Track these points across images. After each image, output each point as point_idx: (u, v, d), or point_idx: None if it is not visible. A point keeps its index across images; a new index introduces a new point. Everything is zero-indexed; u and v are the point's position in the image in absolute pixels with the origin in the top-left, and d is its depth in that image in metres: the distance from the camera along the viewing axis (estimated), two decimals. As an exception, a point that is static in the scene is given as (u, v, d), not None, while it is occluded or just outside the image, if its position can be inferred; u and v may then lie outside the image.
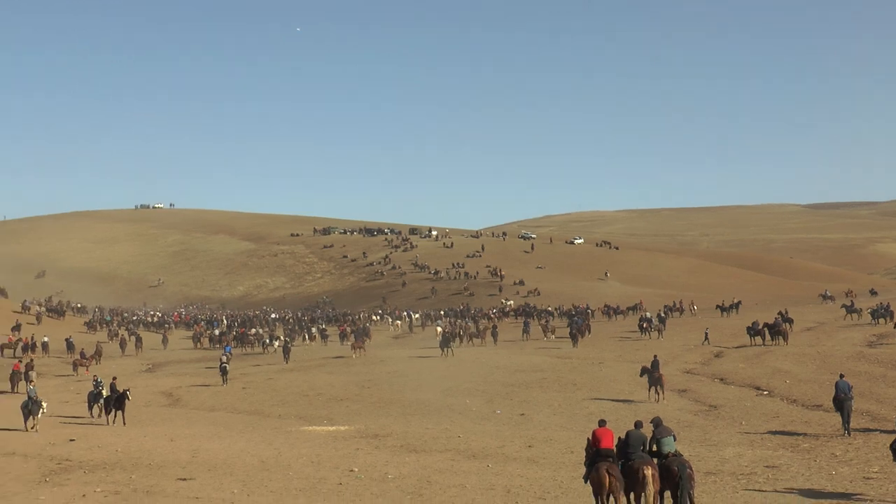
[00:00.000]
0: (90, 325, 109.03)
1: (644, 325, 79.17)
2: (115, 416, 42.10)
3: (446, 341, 70.48)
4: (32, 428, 39.46)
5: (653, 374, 47.02)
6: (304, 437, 37.54)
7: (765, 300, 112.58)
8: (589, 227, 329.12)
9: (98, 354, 74.61)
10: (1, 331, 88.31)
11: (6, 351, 79.09)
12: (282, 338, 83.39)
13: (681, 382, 52.07)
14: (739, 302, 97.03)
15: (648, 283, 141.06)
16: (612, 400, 46.93)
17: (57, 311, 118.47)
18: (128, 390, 43.01)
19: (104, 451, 34.13)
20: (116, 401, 42.16)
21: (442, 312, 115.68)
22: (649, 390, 46.97)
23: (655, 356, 49.97)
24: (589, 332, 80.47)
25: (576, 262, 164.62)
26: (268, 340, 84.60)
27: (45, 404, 40.49)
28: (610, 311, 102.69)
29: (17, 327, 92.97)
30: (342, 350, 78.13)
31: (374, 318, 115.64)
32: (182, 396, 53.50)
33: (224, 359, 60.50)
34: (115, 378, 46.04)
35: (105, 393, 44.02)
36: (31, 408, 39.87)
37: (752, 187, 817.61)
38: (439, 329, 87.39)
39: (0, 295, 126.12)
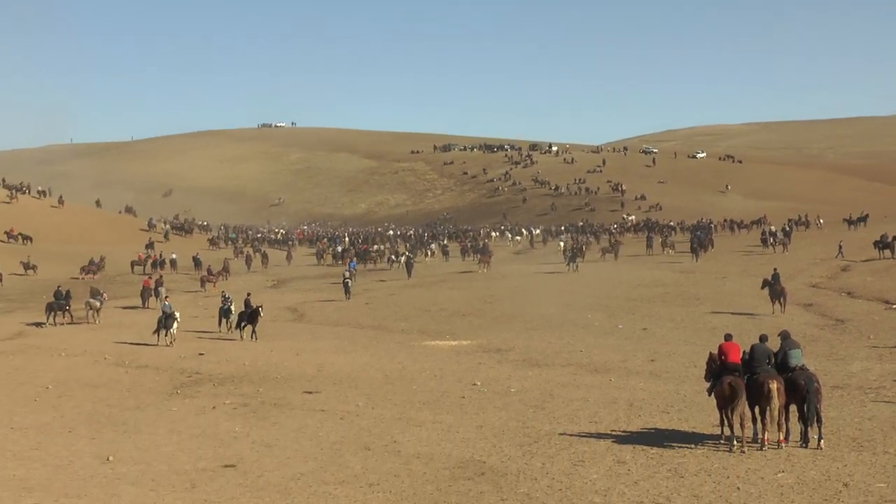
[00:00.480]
0: (213, 242, 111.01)
1: (770, 240, 77.82)
2: (248, 331, 43.04)
3: (573, 256, 70.49)
4: (169, 342, 40.55)
5: (775, 287, 46.40)
6: (426, 352, 37.97)
7: (894, 213, 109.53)
8: (712, 142, 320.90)
9: (226, 271, 75.76)
10: (131, 247, 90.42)
11: (136, 268, 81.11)
12: (407, 253, 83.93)
13: (807, 296, 51.27)
14: (867, 215, 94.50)
15: (772, 196, 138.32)
16: (736, 314, 46.40)
17: (184, 229, 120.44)
18: (261, 306, 43.88)
19: (232, 364, 35.02)
20: (250, 316, 43.06)
21: (563, 228, 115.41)
22: (773, 303, 46.35)
23: (775, 269, 49.40)
24: (712, 246, 79.61)
25: (698, 176, 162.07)
26: (393, 257, 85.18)
27: (177, 314, 41.64)
28: (733, 226, 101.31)
29: (150, 245, 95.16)
30: (464, 265, 78.62)
31: (493, 234, 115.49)
32: (307, 312, 54.44)
33: (347, 274, 61.30)
34: (249, 294, 46.97)
35: (234, 309, 45.01)
36: (165, 322, 41.00)
37: (882, 97, 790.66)
38: (562, 244, 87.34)
39: (129, 213, 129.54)
